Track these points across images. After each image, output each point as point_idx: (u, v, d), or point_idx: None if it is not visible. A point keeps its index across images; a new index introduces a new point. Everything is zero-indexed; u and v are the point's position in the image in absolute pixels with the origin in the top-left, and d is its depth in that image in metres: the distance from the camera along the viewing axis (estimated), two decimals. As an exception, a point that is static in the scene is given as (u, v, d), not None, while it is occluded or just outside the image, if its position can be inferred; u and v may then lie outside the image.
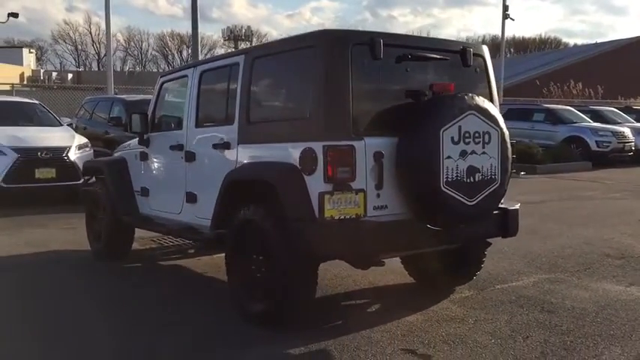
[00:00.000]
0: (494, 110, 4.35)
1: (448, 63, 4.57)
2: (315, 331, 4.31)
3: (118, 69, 63.07)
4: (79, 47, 69.15)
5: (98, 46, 68.95)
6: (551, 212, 9.78)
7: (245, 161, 4.60)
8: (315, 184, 3.97)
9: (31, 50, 58.88)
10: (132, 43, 71.25)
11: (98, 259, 6.52)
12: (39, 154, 9.84)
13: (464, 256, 5.13)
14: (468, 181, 4.17)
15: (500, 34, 25.87)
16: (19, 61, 52.51)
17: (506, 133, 4.41)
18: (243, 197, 4.49)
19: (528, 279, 5.73)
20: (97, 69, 64.13)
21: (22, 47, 57.29)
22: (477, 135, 4.21)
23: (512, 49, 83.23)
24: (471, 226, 4.37)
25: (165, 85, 6.02)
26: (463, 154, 4.14)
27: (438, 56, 4.47)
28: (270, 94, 4.75)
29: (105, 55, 69.14)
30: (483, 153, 4.25)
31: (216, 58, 5.46)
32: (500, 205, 4.70)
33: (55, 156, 9.92)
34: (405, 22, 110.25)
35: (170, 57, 70.19)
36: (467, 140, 4.16)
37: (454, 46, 4.70)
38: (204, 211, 5.01)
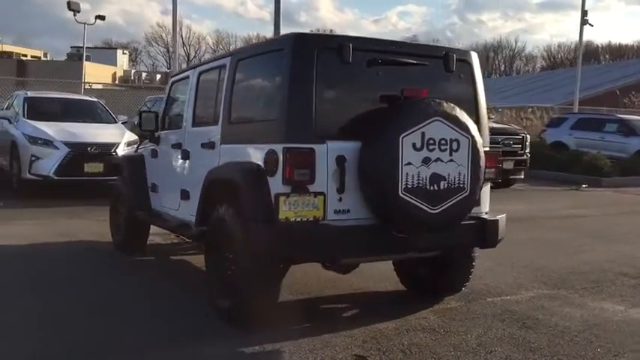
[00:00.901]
0: (465, 117, 4.24)
1: (428, 68, 4.51)
2: (280, 331, 4.34)
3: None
4: (170, 49, 71.86)
5: (188, 48, 71.52)
6: (594, 227, 9.36)
7: (225, 161, 4.71)
8: (276, 185, 4.03)
9: (125, 51, 61.78)
10: (220, 46, 73.41)
11: (118, 251, 6.82)
12: (89, 149, 10.38)
13: (448, 266, 5.04)
14: (432, 188, 4.10)
15: (580, 39, 24.65)
16: (113, 62, 55.31)
17: (480, 140, 4.30)
18: (220, 197, 4.61)
19: (527, 294, 5.54)
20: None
21: (116, 48, 60.22)
22: (443, 142, 4.13)
23: (607, 56, 79.74)
24: (439, 234, 4.29)
25: (174, 85, 6.26)
26: (426, 161, 4.07)
27: (414, 61, 4.42)
28: (247, 95, 4.84)
29: (194, 56, 71.89)
30: (450, 161, 4.17)
31: (211, 59, 5.62)
32: (479, 215, 4.60)
33: (104, 151, 10.41)
34: (493, 26, 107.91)
35: (256, 59, 71.71)
36: (431, 147, 4.09)
37: (436, 51, 4.63)
38: (194, 209, 5.16)
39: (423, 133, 4.05)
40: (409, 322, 4.65)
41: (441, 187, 4.13)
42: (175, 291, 5.42)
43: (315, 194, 4.01)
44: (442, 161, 4.13)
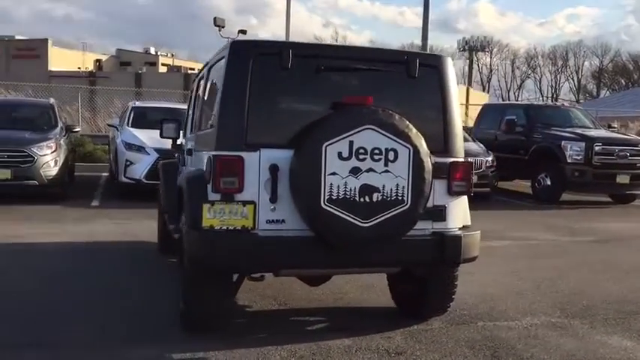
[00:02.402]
0: (405, 125, 3.95)
1: (386, 74, 4.27)
2: (224, 340, 4.32)
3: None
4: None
5: (342, 58, 72.88)
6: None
7: (192, 168, 4.80)
8: (209, 193, 4.03)
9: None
10: (374, 55, 73.82)
11: (160, 252, 7.17)
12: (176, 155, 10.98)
13: (425, 285, 4.71)
14: (362, 200, 3.87)
15: None
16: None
17: (425, 150, 3.99)
18: (180, 203, 4.70)
19: (529, 320, 5.00)
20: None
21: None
22: (376, 152, 3.89)
23: None
24: (385, 249, 4.04)
25: (193, 90, 6.47)
26: (355, 171, 3.86)
27: (364, 67, 4.21)
28: (207, 103, 4.88)
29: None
30: (386, 172, 3.91)
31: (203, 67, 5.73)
32: (441, 230, 4.26)
33: None
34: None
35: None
36: (361, 157, 3.87)
37: (396, 56, 4.37)
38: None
39: (351, 142, 3.85)
40: (367, 341, 4.41)
41: (374, 200, 3.89)
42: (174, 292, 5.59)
43: (244, 203, 3.95)
44: (375, 172, 3.89)
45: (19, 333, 4.42)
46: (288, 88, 4.15)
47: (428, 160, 3.99)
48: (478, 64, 70.80)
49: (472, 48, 57.67)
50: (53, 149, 10.47)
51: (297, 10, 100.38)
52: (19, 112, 12.02)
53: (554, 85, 77.23)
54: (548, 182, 12.62)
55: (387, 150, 3.90)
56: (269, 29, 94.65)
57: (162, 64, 59.96)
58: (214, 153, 3.99)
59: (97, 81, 40.31)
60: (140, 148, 11.10)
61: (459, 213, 4.40)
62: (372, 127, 3.87)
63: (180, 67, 57.70)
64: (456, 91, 4.45)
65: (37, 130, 10.96)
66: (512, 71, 75.18)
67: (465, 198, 4.43)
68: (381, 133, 3.88)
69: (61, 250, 7.13)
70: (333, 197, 3.83)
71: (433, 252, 4.22)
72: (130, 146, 11.19)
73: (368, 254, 4.05)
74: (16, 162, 10.06)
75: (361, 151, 3.86)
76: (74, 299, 5.26)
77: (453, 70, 4.47)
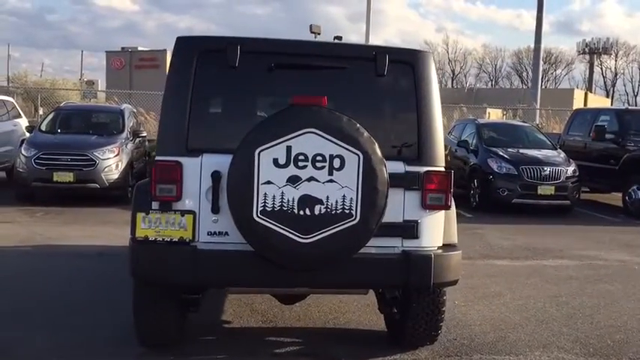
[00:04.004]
0: (355, 128, 3.46)
1: (349, 72, 3.81)
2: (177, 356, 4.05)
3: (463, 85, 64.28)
4: (436, 66, 71.98)
5: (453, 64, 71.10)
6: None
7: None
8: (152, 201, 3.75)
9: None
10: (487, 60, 71.55)
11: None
12: None
13: (407, 310, 4.17)
14: (301, 213, 3.43)
15: None
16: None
17: (377, 157, 3.48)
18: None
19: (536, 356, 4.32)
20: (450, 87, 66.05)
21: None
22: (319, 158, 3.43)
23: None
24: (336, 268, 3.57)
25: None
26: (294, 180, 3.42)
27: (324, 64, 3.77)
28: None
29: (459, 72, 71.23)
30: (330, 181, 3.44)
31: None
32: (408, 248, 3.73)
33: None
34: None
35: (524, 73, 68.35)
36: (301, 164, 3.42)
37: (362, 51, 3.89)
38: None
39: (288, 147, 3.42)
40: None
41: (316, 213, 3.44)
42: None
43: (183, 213, 3.64)
44: (318, 181, 3.44)
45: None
46: (237, 87, 3.79)
47: (382, 169, 3.48)
48: (602, 68, 66.62)
49: (593, 50, 53.99)
50: (116, 153, 10.69)
51: (409, 15, 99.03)
52: (91, 117, 12.42)
53: (688, 90, 70.99)
54: (640, 195, 11.35)
55: (331, 157, 3.43)
56: (382, 36, 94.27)
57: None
58: (157, 158, 3.71)
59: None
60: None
61: (436, 229, 3.85)
62: (314, 130, 3.42)
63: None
64: (436, 92, 3.89)
65: (105, 134, 11.26)
66: (641, 75, 69.98)
67: (442, 213, 3.86)
68: (324, 137, 3.43)
69: (86, 255, 7.13)
70: (268, 209, 3.42)
71: (397, 274, 3.69)
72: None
73: (315, 274, 3.60)
74: (78, 165, 10.35)
75: (301, 157, 3.42)
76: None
77: (432, 68, 3.92)
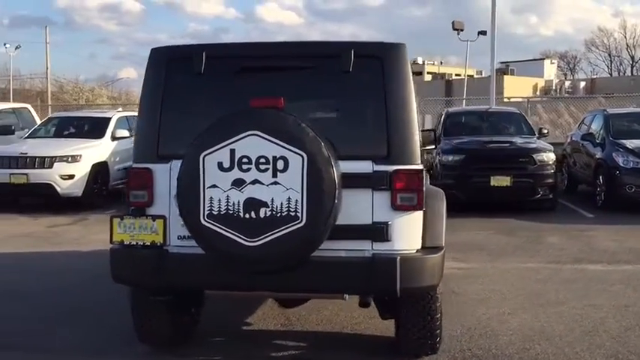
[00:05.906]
0: (300, 129, 3.34)
1: (313, 71, 3.71)
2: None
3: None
4: (612, 53, 66.48)
5: (632, 50, 65.19)
6: None
7: None
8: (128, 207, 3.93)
9: (553, 61, 60.20)
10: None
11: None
12: None
13: (397, 317, 3.95)
14: (247, 216, 3.38)
15: None
16: (540, 73, 54.56)
17: (323, 158, 3.32)
18: None
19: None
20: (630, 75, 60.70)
21: (543, 59, 59.31)
22: (262, 161, 3.37)
23: None
24: (293, 272, 3.49)
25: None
26: (238, 183, 3.39)
27: (287, 65, 3.71)
28: None
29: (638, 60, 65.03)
30: (275, 183, 3.36)
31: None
32: (378, 251, 3.54)
33: None
34: None
35: None
36: (245, 167, 3.38)
37: (326, 49, 3.75)
38: None
39: (232, 151, 3.40)
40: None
41: (261, 216, 3.38)
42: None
43: (154, 218, 3.76)
44: (262, 184, 3.38)
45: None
46: (205, 93, 3.84)
47: (330, 170, 3.33)
48: None
49: None
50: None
51: (580, 1, 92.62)
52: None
53: None
54: None
55: (275, 158, 3.36)
56: (551, 26, 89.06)
57: (428, 73, 60.47)
58: (132, 165, 3.89)
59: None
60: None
61: (409, 231, 3.61)
62: (257, 132, 3.37)
63: (444, 74, 57.65)
64: (409, 86, 3.66)
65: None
66: None
67: (417, 214, 3.61)
68: (266, 139, 3.36)
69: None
70: (214, 213, 3.42)
71: (361, 279, 3.51)
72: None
73: (275, 278, 3.53)
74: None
75: (244, 160, 3.39)
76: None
77: (405, 62, 3.69)
